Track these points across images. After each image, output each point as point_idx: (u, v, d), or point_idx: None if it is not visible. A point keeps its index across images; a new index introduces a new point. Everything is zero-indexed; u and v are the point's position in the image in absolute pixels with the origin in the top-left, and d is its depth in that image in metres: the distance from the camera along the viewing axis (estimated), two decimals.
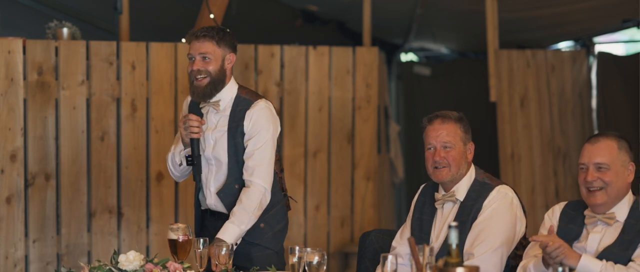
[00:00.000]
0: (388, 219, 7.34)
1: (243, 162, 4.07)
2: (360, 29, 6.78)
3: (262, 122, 4.07)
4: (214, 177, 4.13)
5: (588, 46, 7.42)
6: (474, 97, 7.55)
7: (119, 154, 5.58)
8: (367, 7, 6.67)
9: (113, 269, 3.50)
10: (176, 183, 5.72)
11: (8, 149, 5.23)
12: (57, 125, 5.41)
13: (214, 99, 4.09)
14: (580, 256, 3.34)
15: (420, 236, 3.84)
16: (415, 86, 8.12)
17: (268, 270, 3.64)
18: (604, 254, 3.42)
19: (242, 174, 4.08)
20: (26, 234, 5.33)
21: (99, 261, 3.56)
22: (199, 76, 4.05)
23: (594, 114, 7.33)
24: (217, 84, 4.08)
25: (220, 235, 3.96)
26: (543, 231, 3.62)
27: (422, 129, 3.89)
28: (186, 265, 3.63)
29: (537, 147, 7.02)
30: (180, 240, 3.71)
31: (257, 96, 4.15)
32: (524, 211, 3.84)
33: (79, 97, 5.46)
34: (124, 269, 3.49)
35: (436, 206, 3.87)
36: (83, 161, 5.47)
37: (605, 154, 3.49)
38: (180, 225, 3.74)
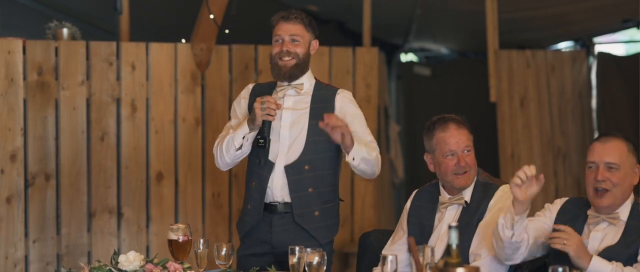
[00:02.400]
0: (388, 220, 7.34)
1: (319, 144, 4.09)
2: (360, 29, 6.78)
3: (353, 103, 4.17)
4: (285, 156, 4.11)
5: (588, 46, 7.42)
6: (474, 97, 7.55)
7: (119, 154, 5.58)
8: (367, 7, 6.68)
9: (113, 269, 3.50)
10: (176, 183, 5.72)
11: (8, 149, 5.23)
12: (57, 125, 5.41)
13: (297, 82, 4.15)
14: (592, 256, 3.34)
15: (422, 241, 3.82)
16: (415, 86, 8.13)
17: (267, 270, 3.64)
18: (605, 254, 3.42)
19: (314, 155, 4.09)
20: (26, 234, 5.33)
21: (99, 261, 3.56)
22: (287, 57, 4.10)
23: (594, 114, 7.34)
24: (303, 67, 4.15)
25: (354, 150, 3.96)
26: (543, 214, 3.63)
27: (430, 133, 3.85)
28: (186, 265, 3.64)
29: (537, 147, 7.02)
30: (180, 240, 3.71)
31: (334, 86, 4.28)
32: None
33: (79, 97, 5.46)
34: (124, 269, 3.49)
35: (441, 209, 3.86)
36: (83, 161, 5.47)
37: (616, 154, 3.47)
38: (180, 225, 3.74)
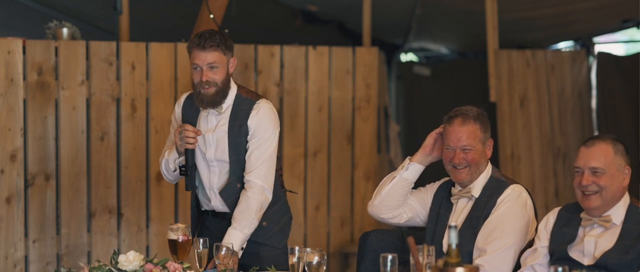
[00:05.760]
0: None
1: (242, 162, 4.07)
2: (360, 29, 6.79)
3: (264, 123, 4.06)
4: (217, 178, 4.12)
5: (588, 46, 7.43)
6: (474, 97, 7.53)
7: (119, 154, 5.58)
8: (367, 7, 6.68)
9: (113, 269, 3.50)
10: (176, 183, 5.72)
11: (8, 149, 5.23)
12: (57, 125, 5.41)
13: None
14: None
15: (435, 229, 3.90)
16: (415, 86, 8.13)
17: (268, 270, 3.64)
18: (603, 259, 3.41)
19: (240, 173, 4.08)
20: (26, 234, 5.33)
21: (99, 261, 3.56)
22: (206, 86, 4.01)
23: (594, 114, 7.34)
24: (225, 91, 4.06)
25: (226, 242, 3.90)
26: (538, 241, 3.63)
27: (445, 124, 3.92)
28: (186, 265, 3.64)
29: (537, 147, 7.03)
30: (180, 240, 3.72)
31: (257, 96, 4.15)
32: (536, 213, 3.87)
33: (79, 97, 5.46)
34: (123, 269, 3.49)
35: (452, 201, 3.91)
36: (83, 161, 5.47)
37: (600, 158, 3.46)
38: (180, 225, 3.74)
